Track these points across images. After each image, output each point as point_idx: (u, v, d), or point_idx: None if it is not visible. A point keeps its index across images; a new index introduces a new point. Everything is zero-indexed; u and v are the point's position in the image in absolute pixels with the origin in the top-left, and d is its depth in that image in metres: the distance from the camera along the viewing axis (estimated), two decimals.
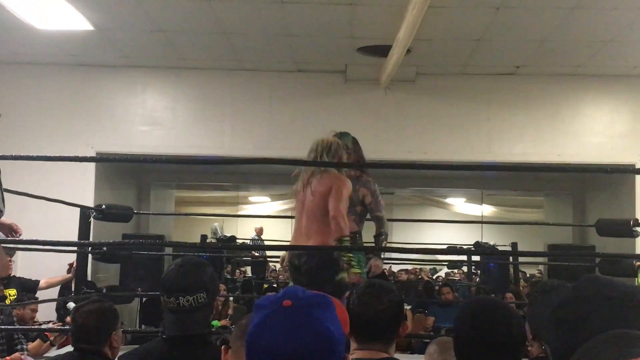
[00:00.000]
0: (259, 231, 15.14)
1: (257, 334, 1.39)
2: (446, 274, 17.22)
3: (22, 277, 7.50)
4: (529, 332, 2.65)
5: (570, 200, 11.97)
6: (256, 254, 12.89)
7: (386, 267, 15.05)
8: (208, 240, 12.24)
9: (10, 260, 5.79)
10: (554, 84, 9.30)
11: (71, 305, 7.07)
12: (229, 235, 13.49)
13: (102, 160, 9.33)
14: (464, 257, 12.51)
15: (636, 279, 6.55)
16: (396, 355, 2.67)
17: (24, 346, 5.77)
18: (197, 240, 11.17)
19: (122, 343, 3.59)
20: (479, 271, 12.86)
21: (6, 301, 6.44)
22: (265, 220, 15.67)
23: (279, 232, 14.26)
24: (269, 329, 1.38)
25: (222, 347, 2.05)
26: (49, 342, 5.95)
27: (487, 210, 18.16)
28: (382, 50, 8.11)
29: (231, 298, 9.64)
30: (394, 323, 2.61)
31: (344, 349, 1.43)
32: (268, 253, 11.86)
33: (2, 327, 4.64)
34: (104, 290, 7.24)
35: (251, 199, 17.79)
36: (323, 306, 1.43)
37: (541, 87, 9.31)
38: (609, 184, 10.31)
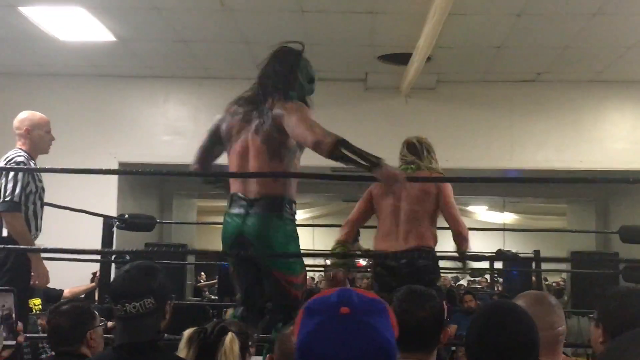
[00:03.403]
0: None
1: (311, 341, 1.32)
2: (468, 282, 17.15)
3: (47, 287, 7.54)
4: (602, 334, 2.56)
5: (593, 207, 11.90)
6: None
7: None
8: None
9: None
10: (575, 90, 9.25)
11: None
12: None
13: (124, 172, 9.39)
14: (486, 265, 12.43)
15: None
16: None
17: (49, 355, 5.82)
18: (220, 249, 11.18)
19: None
20: (501, 279, 12.80)
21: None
22: None
23: (301, 240, 14.24)
24: (324, 338, 1.31)
25: (267, 357, 2.03)
26: None
27: (509, 218, 18.08)
28: (402, 58, 8.11)
29: None
30: (436, 330, 2.55)
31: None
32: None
33: (27, 335, 4.68)
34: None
35: None
36: (380, 313, 1.37)
37: (563, 93, 9.27)
38: (633, 191, 10.24)
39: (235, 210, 4.05)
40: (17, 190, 4.71)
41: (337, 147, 3.70)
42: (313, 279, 16.46)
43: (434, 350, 2.55)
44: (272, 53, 4.42)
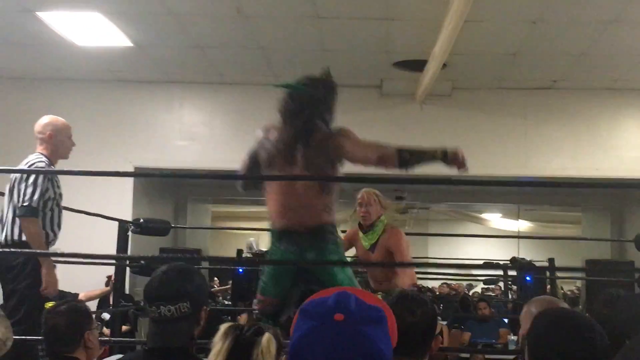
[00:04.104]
0: None
1: (302, 346, 1.29)
2: (482, 289, 17.08)
3: (62, 290, 7.56)
4: None
5: (608, 215, 11.85)
6: None
7: (421, 282, 14.94)
8: (244, 255, 12.27)
9: None
10: (591, 98, 9.23)
11: (106, 316, 7.13)
12: (264, 249, 13.49)
13: (139, 175, 9.44)
14: (500, 273, 12.40)
15: None
16: None
17: None
18: (233, 254, 11.21)
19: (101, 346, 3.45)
20: (515, 287, 12.75)
21: None
22: None
23: None
24: (316, 343, 1.27)
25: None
26: None
27: (523, 225, 17.99)
28: (418, 65, 8.11)
29: None
30: (427, 337, 2.46)
31: None
32: None
33: (41, 338, 4.71)
34: (142, 303, 7.29)
35: None
36: (376, 322, 1.33)
37: (578, 101, 9.24)
38: None
39: (288, 246, 4.01)
40: (36, 196, 4.72)
41: (402, 154, 3.76)
42: None
43: (425, 358, 2.46)
44: (310, 78, 4.34)
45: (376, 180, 5.15)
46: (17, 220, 4.81)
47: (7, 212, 4.87)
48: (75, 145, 5.18)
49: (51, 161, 4.97)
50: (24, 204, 4.71)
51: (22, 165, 4.86)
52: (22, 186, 4.74)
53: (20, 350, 4.10)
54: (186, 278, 2.55)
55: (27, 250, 4.74)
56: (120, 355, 3.00)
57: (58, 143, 5.03)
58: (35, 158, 4.89)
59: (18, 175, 4.81)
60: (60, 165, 5.20)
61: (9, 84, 9.31)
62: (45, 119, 5.07)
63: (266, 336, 2.39)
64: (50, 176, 4.85)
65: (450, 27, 6.40)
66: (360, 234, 5.49)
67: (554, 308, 2.45)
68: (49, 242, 4.92)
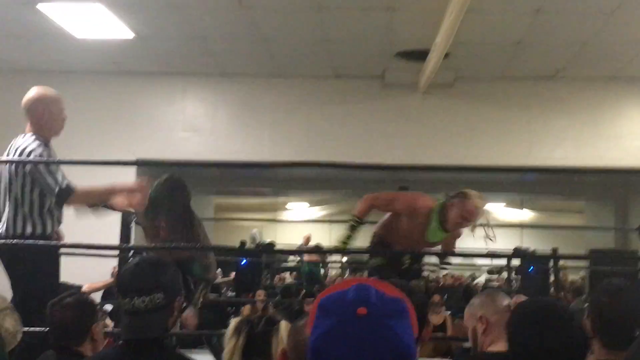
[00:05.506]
0: (307, 239, 15.03)
1: (325, 344, 1.22)
2: (486, 279, 17.08)
3: (66, 282, 7.56)
4: (590, 329, 2.54)
5: (612, 204, 11.84)
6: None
7: (424, 273, 14.92)
8: (247, 247, 12.29)
9: None
10: (594, 87, 9.20)
11: (108, 307, 7.15)
12: (268, 241, 13.54)
13: (141, 164, 9.40)
14: (503, 262, 12.39)
15: None
16: None
17: None
18: (236, 246, 11.21)
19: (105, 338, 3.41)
20: (519, 277, 12.74)
21: None
22: (304, 225, 15.66)
23: (318, 238, 14.28)
24: (340, 340, 1.21)
25: (280, 350, 1.93)
26: None
27: (527, 215, 18.00)
28: (420, 55, 8.09)
29: (271, 303, 9.71)
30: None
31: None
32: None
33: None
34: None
35: (290, 204, 17.83)
36: (400, 314, 1.27)
37: (582, 90, 9.21)
38: None
39: None
40: (59, 178, 4.44)
41: None
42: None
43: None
44: None
45: (378, 167, 5.12)
46: (19, 215, 4.64)
47: (7, 207, 4.65)
48: (67, 117, 4.94)
49: (47, 141, 4.70)
50: (59, 190, 4.45)
51: (17, 149, 4.62)
52: (40, 178, 4.49)
53: (32, 342, 4.06)
54: (159, 270, 2.55)
55: (30, 242, 4.67)
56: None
57: (50, 120, 4.75)
58: (34, 143, 4.60)
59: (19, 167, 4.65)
60: (62, 155, 5.12)
61: (10, 76, 9.28)
62: (33, 93, 4.81)
63: (284, 324, 2.36)
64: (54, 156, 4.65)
65: (452, 17, 6.38)
66: (438, 226, 5.29)
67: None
68: (59, 222, 4.77)
